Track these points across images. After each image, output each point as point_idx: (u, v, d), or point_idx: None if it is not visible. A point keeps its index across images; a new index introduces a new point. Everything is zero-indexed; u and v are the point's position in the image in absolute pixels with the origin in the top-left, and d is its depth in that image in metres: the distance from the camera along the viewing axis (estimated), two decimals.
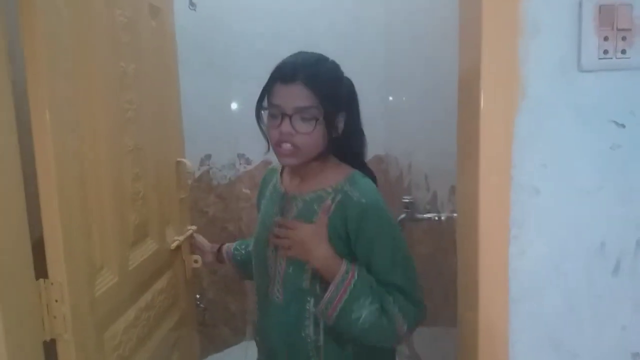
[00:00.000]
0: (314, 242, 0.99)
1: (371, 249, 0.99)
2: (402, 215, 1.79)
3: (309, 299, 1.04)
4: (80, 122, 0.88)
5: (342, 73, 1.07)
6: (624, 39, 0.71)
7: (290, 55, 1.05)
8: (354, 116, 1.10)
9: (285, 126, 0.97)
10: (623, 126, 0.73)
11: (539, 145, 0.73)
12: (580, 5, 0.71)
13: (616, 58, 0.71)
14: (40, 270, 0.80)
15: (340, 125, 1.06)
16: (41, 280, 0.79)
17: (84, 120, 0.89)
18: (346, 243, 1.01)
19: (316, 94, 0.97)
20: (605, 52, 0.71)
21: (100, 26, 0.96)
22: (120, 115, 1.05)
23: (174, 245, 1.34)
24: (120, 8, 1.05)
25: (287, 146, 0.99)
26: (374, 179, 1.10)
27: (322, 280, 1.01)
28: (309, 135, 0.98)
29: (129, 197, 1.09)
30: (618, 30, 0.71)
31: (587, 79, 0.73)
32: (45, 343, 0.81)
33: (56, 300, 0.81)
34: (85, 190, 0.89)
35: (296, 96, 0.97)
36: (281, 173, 1.19)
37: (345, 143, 1.09)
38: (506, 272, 0.75)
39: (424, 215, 1.70)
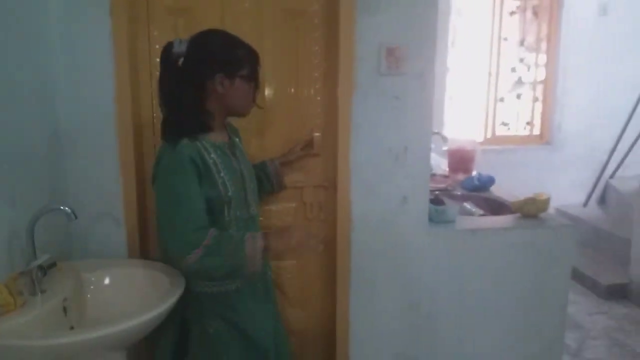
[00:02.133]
0: None
1: None
2: None
3: None
4: None
5: None
6: (397, 60, 1.70)
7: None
8: None
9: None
10: (398, 98, 1.73)
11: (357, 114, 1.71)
12: (379, 48, 1.68)
13: (395, 69, 1.70)
14: None
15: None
16: None
17: None
18: None
19: None
20: (388, 67, 1.70)
21: None
22: None
23: None
24: None
25: None
26: None
27: None
28: None
29: None
30: (395, 57, 1.70)
31: (385, 78, 1.71)
32: None
33: None
34: None
35: None
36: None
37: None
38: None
39: None
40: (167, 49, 1.37)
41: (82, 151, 1.65)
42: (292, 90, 1.83)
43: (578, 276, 3.47)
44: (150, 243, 1.83)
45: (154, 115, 1.76)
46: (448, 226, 1.88)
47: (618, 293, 3.29)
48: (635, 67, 4.20)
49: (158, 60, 1.54)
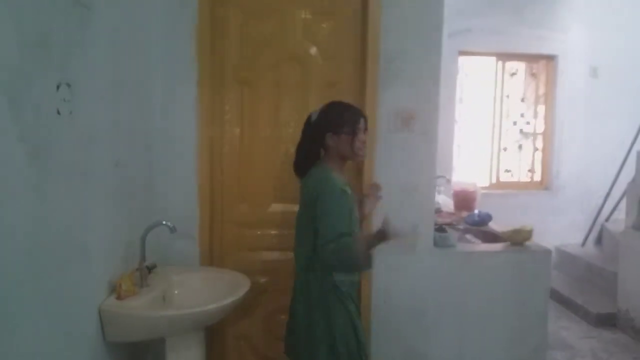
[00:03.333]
0: None
1: None
2: None
3: None
4: None
5: None
6: (407, 121, 2.25)
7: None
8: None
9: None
10: (406, 150, 2.27)
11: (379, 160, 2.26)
12: (395, 112, 2.24)
13: (406, 128, 2.26)
14: None
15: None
16: None
17: None
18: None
19: None
20: (402, 126, 2.25)
21: None
22: None
23: None
24: None
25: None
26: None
27: None
28: None
29: None
30: (405, 118, 2.25)
31: (397, 134, 2.26)
32: None
33: None
34: None
35: None
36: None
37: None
38: None
39: None
40: (308, 118, 1.92)
41: (171, 183, 2.23)
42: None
43: (572, 306, 3.89)
44: (214, 254, 2.36)
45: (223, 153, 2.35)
46: (450, 249, 2.38)
47: (607, 321, 3.69)
48: (623, 122, 4.69)
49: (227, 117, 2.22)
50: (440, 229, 2.48)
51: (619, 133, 4.65)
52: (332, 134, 1.85)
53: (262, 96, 2.35)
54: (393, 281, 2.33)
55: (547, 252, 2.41)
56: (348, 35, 2.33)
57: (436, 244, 2.38)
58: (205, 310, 1.79)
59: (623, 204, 3.97)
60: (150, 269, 1.99)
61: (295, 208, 2.35)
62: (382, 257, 2.29)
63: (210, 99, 2.29)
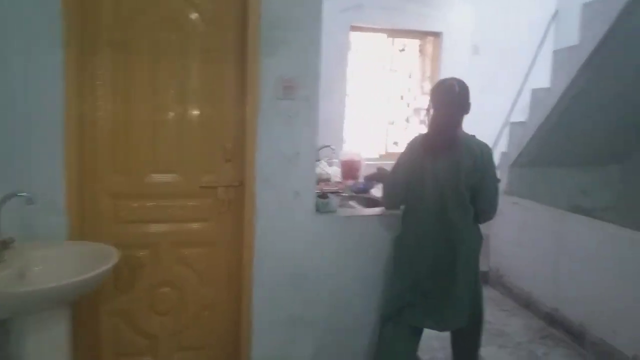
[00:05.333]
0: None
1: None
2: None
3: None
4: None
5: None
6: (290, 89, 2.26)
7: None
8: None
9: None
10: (290, 116, 2.28)
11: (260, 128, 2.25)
12: (277, 80, 2.24)
13: (289, 95, 2.26)
14: None
15: None
16: None
17: None
18: None
19: None
20: (284, 94, 2.25)
21: None
22: None
23: None
24: None
25: None
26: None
27: None
28: None
29: None
30: (288, 86, 2.26)
31: (281, 101, 2.27)
32: None
33: None
34: None
35: None
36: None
37: None
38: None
39: None
40: (450, 87, 2.21)
41: (35, 151, 2.05)
42: (210, 110, 2.33)
43: None
44: (87, 228, 2.23)
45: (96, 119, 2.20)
46: (331, 215, 2.45)
47: (481, 279, 4.05)
48: (501, 97, 5.09)
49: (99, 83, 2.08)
50: (322, 195, 2.54)
51: (497, 108, 5.03)
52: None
53: (138, 61, 2.22)
54: (275, 247, 2.35)
55: None
56: (229, 1, 2.27)
57: (318, 209, 2.44)
58: (61, 286, 1.68)
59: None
60: (7, 243, 1.83)
61: (173, 178, 2.30)
62: (264, 222, 2.31)
63: (79, 63, 2.12)
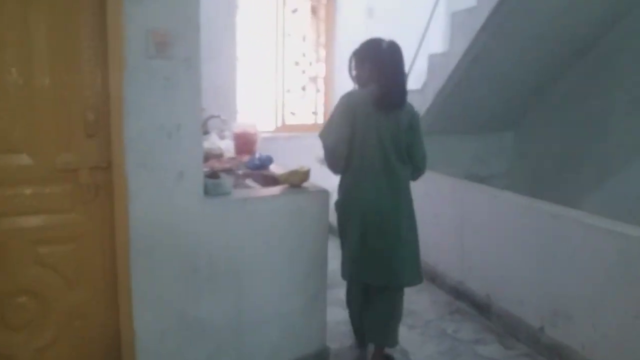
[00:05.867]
0: None
1: None
2: None
3: None
4: None
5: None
6: (164, 45, 1.84)
7: None
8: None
9: None
10: (168, 79, 1.87)
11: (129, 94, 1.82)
12: (147, 33, 1.80)
13: (163, 52, 1.84)
14: None
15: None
16: None
17: None
18: None
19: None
20: (156, 50, 1.83)
21: None
22: None
23: None
24: None
25: None
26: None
27: None
28: None
29: None
30: (161, 41, 1.83)
31: (154, 61, 1.83)
32: None
33: None
34: None
35: None
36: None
37: None
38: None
39: None
40: (394, 44, 2.31)
41: None
42: (64, 71, 1.82)
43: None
44: None
45: None
46: (224, 197, 2.10)
47: None
48: None
49: None
50: (213, 175, 2.17)
51: None
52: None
53: None
54: (156, 240, 1.96)
55: (325, 192, 2.31)
56: None
57: (208, 192, 2.08)
58: None
59: None
60: None
61: (20, 159, 1.83)
62: (141, 211, 1.90)
63: None
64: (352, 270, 2.33)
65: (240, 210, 2.10)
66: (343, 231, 2.38)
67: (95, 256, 1.98)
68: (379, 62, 2.28)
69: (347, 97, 2.29)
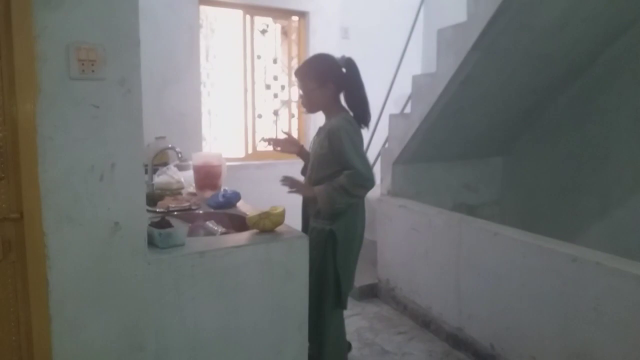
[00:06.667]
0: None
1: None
2: None
3: None
4: None
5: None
6: (92, 63, 1.44)
7: None
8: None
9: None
10: (97, 107, 1.46)
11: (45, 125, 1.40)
12: (68, 48, 1.40)
13: (91, 73, 1.43)
14: None
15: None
16: None
17: None
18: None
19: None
20: (81, 70, 1.42)
21: None
22: None
23: None
24: None
25: None
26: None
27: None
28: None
29: None
30: (88, 59, 1.43)
31: (78, 83, 1.43)
32: None
33: None
34: None
35: None
36: None
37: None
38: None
39: None
40: (352, 60, 2.29)
41: None
42: None
43: None
44: None
45: None
46: (174, 251, 1.67)
47: (370, 292, 3.56)
48: (375, 85, 4.66)
49: None
50: (161, 222, 1.76)
51: (370, 96, 4.60)
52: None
53: None
54: (85, 312, 1.52)
55: (304, 238, 1.90)
56: None
57: (156, 244, 1.66)
58: None
59: (377, 169, 3.85)
60: None
61: None
62: (64, 276, 1.47)
63: None
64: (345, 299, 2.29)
65: (196, 267, 1.67)
66: (345, 263, 2.24)
67: (6, 336, 1.53)
68: (345, 81, 2.23)
69: (353, 123, 2.21)
